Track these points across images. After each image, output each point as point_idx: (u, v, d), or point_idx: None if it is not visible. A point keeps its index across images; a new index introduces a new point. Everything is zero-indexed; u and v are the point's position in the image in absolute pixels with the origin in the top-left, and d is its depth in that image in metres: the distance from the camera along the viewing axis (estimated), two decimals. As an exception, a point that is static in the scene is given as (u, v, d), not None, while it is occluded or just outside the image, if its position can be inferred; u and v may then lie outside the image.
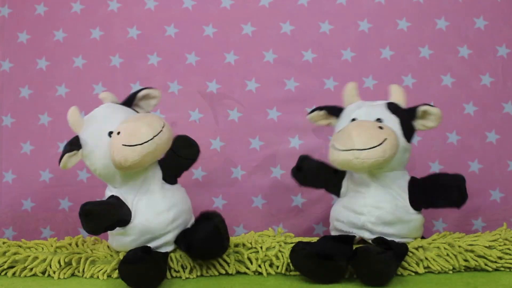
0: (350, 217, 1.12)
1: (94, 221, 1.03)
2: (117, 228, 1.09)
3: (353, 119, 1.14)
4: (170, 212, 1.10)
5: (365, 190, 1.12)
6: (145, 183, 1.11)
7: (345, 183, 1.17)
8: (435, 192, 1.12)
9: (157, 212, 1.09)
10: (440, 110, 1.13)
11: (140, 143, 1.03)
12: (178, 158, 1.15)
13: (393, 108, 1.14)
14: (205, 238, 1.04)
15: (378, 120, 1.12)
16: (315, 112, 1.21)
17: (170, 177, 1.15)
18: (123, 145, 1.04)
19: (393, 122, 1.12)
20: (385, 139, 1.06)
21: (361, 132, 1.06)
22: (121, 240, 1.10)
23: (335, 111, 1.20)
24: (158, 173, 1.14)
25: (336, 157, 1.08)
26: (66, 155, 1.08)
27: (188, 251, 1.08)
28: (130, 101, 1.17)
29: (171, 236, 1.10)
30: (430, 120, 1.13)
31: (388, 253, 1.00)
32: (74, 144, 1.10)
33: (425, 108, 1.12)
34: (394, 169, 1.12)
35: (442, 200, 1.12)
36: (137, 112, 1.17)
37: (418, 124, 1.14)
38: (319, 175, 1.19)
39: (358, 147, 1.04)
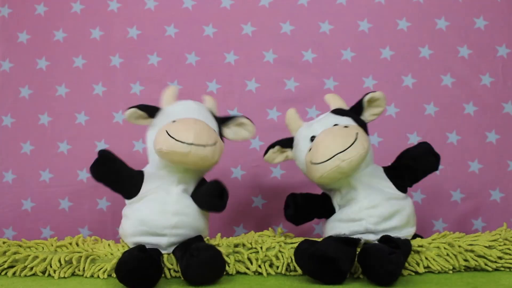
0: (351, 227, 1.11)
1: (101, 164, 1.08)
2: (126, 201, 1.13)
3: (312, 137, 1.14)
4: (174, 217, 1.09)
5: (355, 196, 1.12)
6: (174, 182, 1.11)
7: (335, 204, 1.16)
8: (411, 167, 1.13)
9: (162, 210, 1.09)
10: (382, 92, 1.14)
11: (177, 139, 1.05)
12: (204, 202, 1.12)
13: (340, 112, 1.16)
14: (198, 275, 1.01)
15: (336, 125, 1.12)
16: (270, 151, 1.20)
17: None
18: (166, 131, 1.06)
19: (348, 122, 1.13)
20: (357, 133, 1.07)
21: (334, 137, 1.07)
22: (124, 223, 1.12)
23: (287, 143, 1.19)
24: (191, 185, 1.13)
25: (321, 172, 1.06)
26: (138, 109, 1.13)
27: (183, 277, 1.05)
28: (223, 120, 1.20)
29: (165, 241, 1.09)
30: (378, 106, 1.15)
31: (398, 253, 1.00)
32: (153, 109, 1.15)
33: (369, 96, 1.14)
34: (369, 164, 1.13)
35: (421, 170, 1.14)
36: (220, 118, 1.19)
37: (367, 116, 1.16)
38: (313, 208, 1.16)
39: (339, 150, 1.04)
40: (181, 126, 1.07)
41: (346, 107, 1.18)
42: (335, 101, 1.20)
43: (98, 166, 1.10)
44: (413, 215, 1.14)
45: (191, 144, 1.05)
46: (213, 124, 1.15)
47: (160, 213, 1.09)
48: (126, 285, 1.00)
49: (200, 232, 1.13)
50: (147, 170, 1.14)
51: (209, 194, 1.09)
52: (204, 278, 1.02)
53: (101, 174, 1.10)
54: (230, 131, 1.20)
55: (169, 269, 1.09)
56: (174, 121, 1.09)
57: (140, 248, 1.05)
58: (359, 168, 1.10)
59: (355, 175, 1.11)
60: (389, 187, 1.13)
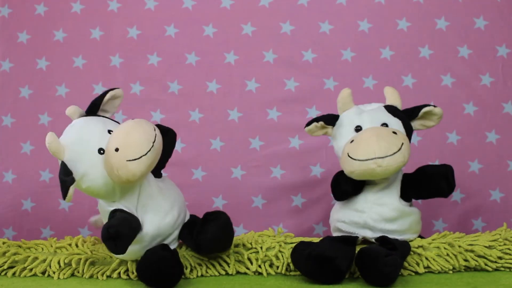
0: (351, 216, 1.12)
1: (123, 242, 0.99)
2: None
3: (358, 126, 1.13)
4: (174, 210, 1.10)
5: (369, 188, 1.12)
6: (143, 189, 1.08)
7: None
8: (422, 182, 1.12)
9: (163, 214, 1.08)
10: (441, 109, 1.13)
11: (144, 154, 1.00)
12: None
13: (393, 111, 1.14)
14: (214, 238, 1.05)
15: (384, 125, 1.12)
16: (313, 124, 1.18)
17: (157, 172, 1.12)
18: (127, 160, 0.99)
19: (398, 125, 1.12)
20: (402, 144, 1.06)
21: (380, 140, 1.05)
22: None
23: (331, 120, 1.18)
24: (150, 174, 1.11)
25: (356, 168, 1.06)
26: (71, 188, 1.01)
27: (197, 249, 1.08)
28: (96, 107, 1.11)
29: (177, 232, 1.11)
30: (432, 120, 1.14)
31: (394, 255, 1.00)
32: (69, 173, 1.02)
33: (428, 109, 1.13)
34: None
35: (430, 189, 1.12)
36: (104, 116, 1.11)
37: (417, 124, 1.15)
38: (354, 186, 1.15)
39: (379, 155, 1.04)
40: (131, 144, 1.00)
41: (400, 105, 1.16)
42: (392, 96, 1.17)
43: (118, 249, 1.01)
44: (417, 224, 1.13)
45: (153, 144, 1.01)
46: (104, 121, 1.09)
47: (164, 218, 1.08)
48: (148, 284, 1.01)
49: (184, 201, 1.16)
50: (114, 205, 1.07)
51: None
52: (221, 241, 1.06)
53: (126, 248, 1.02)
54: (107, 113, 1.13)
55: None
56: (117, 149, 1.01)
57: (163, 247, 1.05)
58: None
59: None
60: (398, 192, 1.12)
